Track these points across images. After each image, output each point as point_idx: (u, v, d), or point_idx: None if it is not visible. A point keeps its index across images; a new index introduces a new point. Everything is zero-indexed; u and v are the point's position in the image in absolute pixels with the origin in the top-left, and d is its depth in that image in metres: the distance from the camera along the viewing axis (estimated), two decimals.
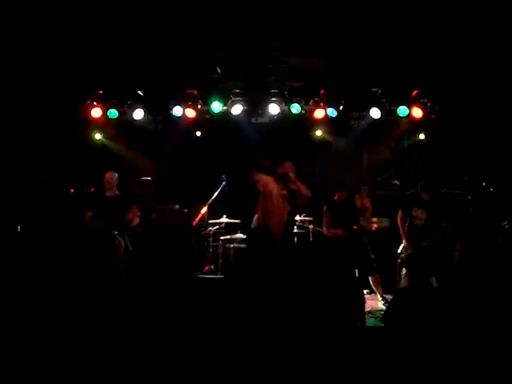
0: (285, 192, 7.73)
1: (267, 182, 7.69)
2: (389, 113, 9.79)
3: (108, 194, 7.93)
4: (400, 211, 7.83)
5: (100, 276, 5.12)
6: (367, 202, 9.28)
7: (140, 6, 6.72)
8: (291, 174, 7.72)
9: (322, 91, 9.73)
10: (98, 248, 6.22)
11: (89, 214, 7.74)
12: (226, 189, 9.36)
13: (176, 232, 5.02)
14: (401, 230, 7.79)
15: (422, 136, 10.28)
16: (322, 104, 9.70)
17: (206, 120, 10.20)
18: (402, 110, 9.69)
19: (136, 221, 8.07)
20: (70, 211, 8.72)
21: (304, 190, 7.75)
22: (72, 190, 9.99)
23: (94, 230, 7.58)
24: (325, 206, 8.40)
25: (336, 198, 8.32)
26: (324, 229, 8.37)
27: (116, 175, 8.00)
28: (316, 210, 9.76)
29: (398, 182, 9.02)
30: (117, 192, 7.99)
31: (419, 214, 7.69)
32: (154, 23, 7.09)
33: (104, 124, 10.11)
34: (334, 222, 8.18)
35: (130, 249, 7.45)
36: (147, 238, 8.46)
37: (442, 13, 6.79)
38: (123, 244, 7.11)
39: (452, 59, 8.23)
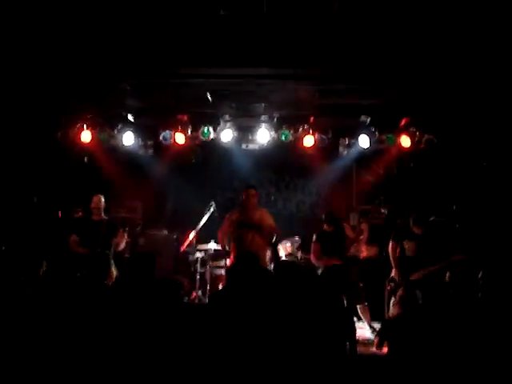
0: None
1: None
2: (378, 140, 9.84)
3: (94, 217, 7.87)
4: (392, 241, 7.82)
5: (89, 298, 5.07)
6: (364, 228, 9.19)
7: (130, 33, 6.76)
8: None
9: (311, 118, 9.78)
10: (89, 271, 6.16)
11: (73, 237, 7.69)
12: (215, 215, 9.35)
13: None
14: (392, 260, 7.78)
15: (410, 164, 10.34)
16: (311, 131, 9.73)
17: (195, 146, 10.19)
18: (391, 139, 9.75)
19: (123, 245, 8.01)
20: (57, 235, 8.64)
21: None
22: (60, 214, 9.92)
23: (82, 255, 7.52)
24: (314, 235, 8.38)
25: (325, 227, 8.31)
26: (312, 257, 8.32)
27: (103, 199, 7.95)
28: (305, 237, 9.81)
29: (386, 211, 9.02)
30: (103, 216, 7.93)
31: (410, 246, 7.70)
32: (144, 50, 7.12)
33: (93, 148, 10.06)
34: (324, 251, 8.16)
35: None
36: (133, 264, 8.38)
37: (430, 42, 6.87)
38: (115, 273, 7.05)
39: (441, 89, 8.30)
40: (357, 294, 8.01)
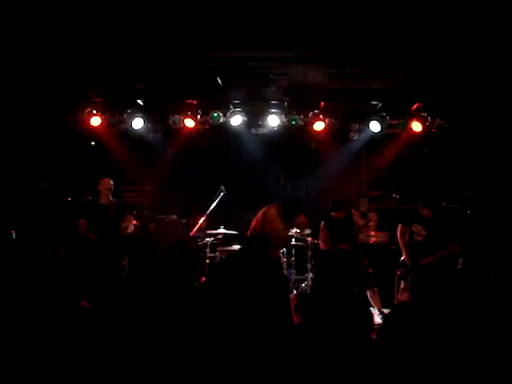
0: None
1: None
2: (388, 126, 9.76)
3: (102, 201, 7.89)
4: (400, 225, 7.75)
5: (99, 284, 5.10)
6: (372, 216, 9.16)
7: (140, 15, 6.69)
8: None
9: (321, 103, 9.71)
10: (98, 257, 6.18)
11: (83, 221, 7.70)
12: (224, 199, 9.33)
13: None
14: (400, 244, 7.72)
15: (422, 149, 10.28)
16: (321, 116, 9.67)
17: (205, 130, 10.16)
18: (402, 124, 9.68)
19: (131, 228, 8.02)
20: (67, 219, 8.66)
21: None
22: (69, 199, 9.94)
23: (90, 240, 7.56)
24: (322, 222, 8.34)
25: (333, 214, 8.26)
26: (320, 243, 8.30)
27: (111, 182, 7.94)
28: (315, 223, 9.75)
29: (397, 196, 8.97)
30: (111, 199, 7.93)
31: (419, 229, 7.63)
32: (155, 33, 7.06)
33: (103, 132, 10.05)
34: (332, 237, 8.12)
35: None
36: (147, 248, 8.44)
37: (441, 27, 6.77)
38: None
39: (452, 73, 8.20)
40: (367, 279, 7.98)
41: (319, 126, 9.67)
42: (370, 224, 8.57)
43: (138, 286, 4.89)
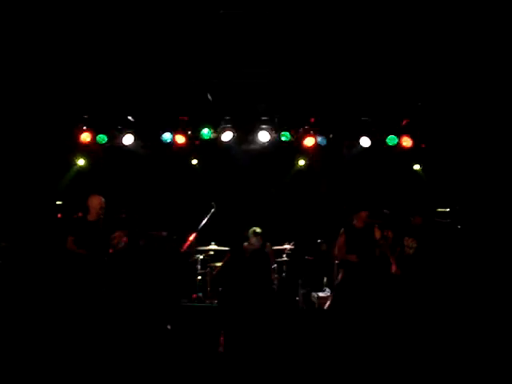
0: None
1: None
2: (379, 142, 9.81)
3: (91, 218, 7.82)
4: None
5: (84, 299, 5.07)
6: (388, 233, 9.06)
7: (133, 35, 6.74)
8: None
9: (312, 119, 9.75)
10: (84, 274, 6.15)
11: (71, 238, 7.64)
12: (215, 215, 9.31)
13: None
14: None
15: (416, 166, 10.31)
16: (311, 132, 9.71)
17: (195, 146, 10.17)
18: (392, 139, 9.73)
19: (121, 245, 7.98)
20: (56, 236, 8.62)
21: None
22: (60, 215, 9.89)
23: (80, 256, 7.53)
24: (342, 229, 8.24)
25: (355, 222, 8.15)
26: (335, 250, 8.19)
27: (102, 199, 7.91)
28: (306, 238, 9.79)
29: (387, 211, 8.96)
30: (101, 216, 7.89)
31: (410, 242, 7.66)
32: (146, 50, 7.11)
33: (93, 148, 10.05)
34: (349, 246, 8.04)
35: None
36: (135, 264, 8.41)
37: (429, 48, 6.88)
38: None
39: (441, 90, 8.29)
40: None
41: (309, 141, 9.70)
42: (382, 242, 8.40)
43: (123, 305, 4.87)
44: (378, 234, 8.11)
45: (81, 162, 10.33)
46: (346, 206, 8.54)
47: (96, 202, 7.82)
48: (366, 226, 8.06)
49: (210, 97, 8.69)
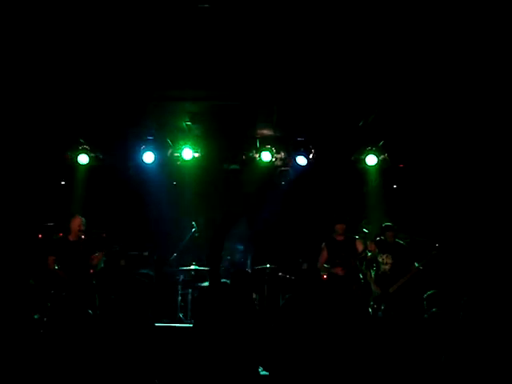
0: None
1: None
2: (358, 161, 9.95)
3: (72, 238, 7.90)
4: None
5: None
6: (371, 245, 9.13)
7: (115, 57, 6.80)
8: None
9: (293, 140, 9.85)
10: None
11: (51, 258, 7.72)
12: (196, 235, 9.34)
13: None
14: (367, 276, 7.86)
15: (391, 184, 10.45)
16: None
17: (177, 166, 10.21)
18: (368, 159, 9.86)
19: (99, 265, 8.07)
20: (37, 256, 8.61)
21: None
22: (40, 236, 9.85)
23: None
24: (323, 243, 8.37)
25: (336, 235, 8.28)
26: (319, 265, 8.27)
27: (83, 220, 7.95)
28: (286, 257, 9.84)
29: (366, 231, 9.07)
30: (81, 236, 7.95)
31: (385, 259, 7.80)
32: (126, 72, 7.16)
33: (74, 169, 10.05)
34: (331, 259, 8.14)
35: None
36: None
37: (397, 68, 7.01)
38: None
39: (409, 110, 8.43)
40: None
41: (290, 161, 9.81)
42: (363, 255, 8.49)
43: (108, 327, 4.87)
44: (359, 247, 8.22)
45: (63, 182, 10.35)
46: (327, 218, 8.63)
47: (76, 222, 7.90)
48: (347, 239, 8.19)
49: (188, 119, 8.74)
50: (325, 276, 8.59)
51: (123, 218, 10.61)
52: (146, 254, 10.22)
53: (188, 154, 9.73)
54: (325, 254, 8.23)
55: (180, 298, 9.25)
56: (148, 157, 9.72)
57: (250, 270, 9.36)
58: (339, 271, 7.96)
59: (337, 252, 8.13)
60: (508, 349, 4.60)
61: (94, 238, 8.50)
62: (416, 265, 7.74)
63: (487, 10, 5.78)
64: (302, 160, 9.76)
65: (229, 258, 9.66)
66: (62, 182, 10.35)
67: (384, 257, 7.79)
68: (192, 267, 9.32)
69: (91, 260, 7.85)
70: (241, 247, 9.86)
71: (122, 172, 10.26)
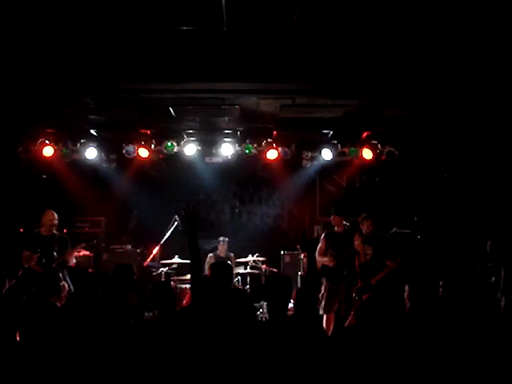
0: None
1: None
2: (340, 153, 9.99)
3: (45, 233, 7.85)
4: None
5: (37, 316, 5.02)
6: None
7: (91, 46, 6.71)
8: None
9: (274, 132, 9.86)
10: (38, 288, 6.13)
11: (26, 253, 7.65)
12: (179, 229, 9.32)
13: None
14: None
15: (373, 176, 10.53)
16: (274, 145, 9.82)
17: (159, 160, 10.18)
18: (353, 152, 9.91)
19: (72, 262, 8.00)
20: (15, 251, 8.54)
21: None
22: (22, 230, 9.78)
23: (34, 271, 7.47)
24: (323, 234, 8.44)
25: (335, 228, 8.33)
26: (316, 254, 8.20)
27: (55, 215, 7.92)
28: (270, 250, 9.86)
29: (347, 224, 9.12)
30: (55, 232, 7.92)
31: (366, 249, 7.84)
32: (107, 62, 7.08)
33: (55, 162, 9.97)
34: (328, 250, 8.16)
35: (71, 289, 7.30)
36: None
37: (388, 54, 6.97)
38: (67, 287, 6.98)
39: (401, 101, 8.43)
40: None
41: (272, 154, 9.80)
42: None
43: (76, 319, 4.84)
44: (357, 241, 8.24)
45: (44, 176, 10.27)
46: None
47: (47, 217, 7.85)
48: (346, 232, 8.23)
49: (172, 111, 8.68)
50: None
51: (104, 212, 10.59)
52: (129, 247, 10.22)
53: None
54: (322, 244, 8.27)
55: None
56: (130, 150, 9.70)
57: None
58: (330, 263, 7.99)
59: (333, 244, 8.18)
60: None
61: (70, 233, 8.49)
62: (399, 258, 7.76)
63: None
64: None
65: None
66: (44, 176, 10.26)
67: (365, 247, 7.84)
68: (174, 260, 9.32)
69: (64, 256, 7.75)
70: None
71: (103, 165, 10.18)
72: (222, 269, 5.22)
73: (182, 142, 9.83)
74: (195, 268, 5.08)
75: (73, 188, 10.30)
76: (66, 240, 7.99)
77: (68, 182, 10.32)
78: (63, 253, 7.75)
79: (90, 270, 9.18)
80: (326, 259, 8.06)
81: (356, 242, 8.06)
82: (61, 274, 7.19)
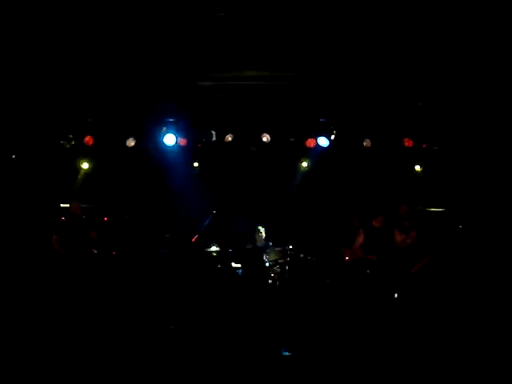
0: None
1: None
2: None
3: (73, 218, 8.72)
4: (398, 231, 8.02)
5: None
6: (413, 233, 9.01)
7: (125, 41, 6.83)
8: None
9: (314, 121, 9.77)
10: None
11: (55, 236, 8.54)
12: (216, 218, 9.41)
13: None
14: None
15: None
16: (313, 134, 9.72)
17: (198, 149, 10.21)
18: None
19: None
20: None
21: None
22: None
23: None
24: (361, 228, 8.40)
25: (374, 222, 8.28)
26: (353, 248, 8.31)
27: (80, 206, 8.83)
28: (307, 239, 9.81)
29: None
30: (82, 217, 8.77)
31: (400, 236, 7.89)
32: (145, 58, 7.20)
33: (96, 152, 10.12)
34: (366, 244, 8.15)
35: None
36: None
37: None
38: None
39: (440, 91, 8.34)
40: None
41: (311, 143, 9.70)
42: (408, 241, 8.41)
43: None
44: (398, 237, 8.18)
45: (85, 165, 10.42)
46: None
47: (76, 208, 8.77)
48: (385, 227, 8.14)
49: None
50: (347, 258, 8.63)
51: (144, 200, 10.70)
52: (168, 235, 10.29)
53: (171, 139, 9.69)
54: (360, 237, 8.21)
55: None
56: (169, 139, 9.70)
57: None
58: (373, 257, 7.96)
59: (372, 239, 8.13)
60: None
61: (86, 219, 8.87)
62: None
63: None
64: (323, 141, 9.67)
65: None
66: (86, 165, 10.43)
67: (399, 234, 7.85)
68: (213, 248, 9.39)
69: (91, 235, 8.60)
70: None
71: (142, 155, 10.28)
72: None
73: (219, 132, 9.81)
74: None
75: (113, 177, 10.48)
76: (91, 224, 8.83)
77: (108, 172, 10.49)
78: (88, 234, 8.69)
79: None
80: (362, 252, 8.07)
81: (397, 238, 8.05)
82: None
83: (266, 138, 9.50)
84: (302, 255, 9.46)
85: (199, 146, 10.11)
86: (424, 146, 9.75)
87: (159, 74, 7.91)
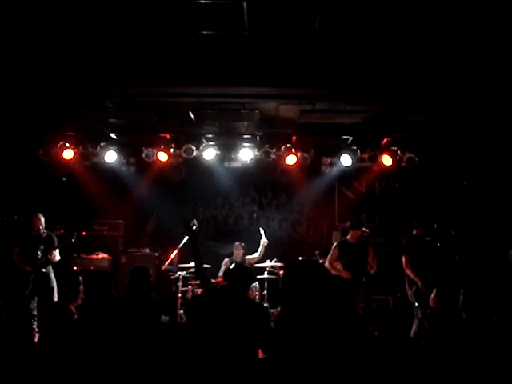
0: None
1: None
2: (360, 159, 9.92)
3: (34, 233, 8.42)
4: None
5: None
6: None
7: (112, 50, 6.74)
8: None
9: (294, 138, 9.82)
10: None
11: (16, 249, 8.31)
12: (196, 233, 9.29)
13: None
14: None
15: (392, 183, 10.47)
16: (293, 150, 9.78)
17: (178, 164, 10.19)
18: (372, 158, 9.84)
19: (56, 259, 8.40)
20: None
21: None
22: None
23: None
24: (335, 243, 8.50)
25: (348, 237, 8.34)
26: (326, 263, 8.28)
27: (42, 218, 8.44)
28: (287, 255, 9.80)
29: (367, 230, 9.06)
30: (43, 232, 8.43)
31: (373, 263, 7.94)
32: (127, 66, 7.11)
33: (75, 165, 10.03)
34: (340, 260, 8.18)
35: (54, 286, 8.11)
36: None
37: (408, 61, 6.91)
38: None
39: (422, 107, 8.36)
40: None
41: (291, 159, 9.77)
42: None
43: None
44: (371, 255, 8.23)
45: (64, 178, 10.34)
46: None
47: (37, 220, 8.41)
48: (360, 243, 8.20)
49: (192, 115, 8.68)
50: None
51: (123, 215, 10.62)
52: (147, 250, 10.25)
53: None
54: (334, 253, 8.25)
55: (180, 295, 9.26)
56: (149, 154, 9.71)
57: None
58: (348, 275, 7.95)
59: (347, 254, 8.16)
60: None
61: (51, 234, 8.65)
62: None
63: None
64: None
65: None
66: (64, 178, 10.34)
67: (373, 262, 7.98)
68: (192, 264, 9.29)
69: (50, 254, 8.27)
70: None
71: (122, 169, 10.25)
72: (237, 274, 5.15)
73: (202, 147, 9.83)
74: (202, 280, 5.08)
75: (92, 191, 10.32)
76: (53, 240, 8.44)
77: (87, 185, 10.33)
78: (48, 252, 8.27)
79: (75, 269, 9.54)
80: (339, 267, 8.08)
81: (370, 256, 8.13)
82: (44, 270, 8.19)
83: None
84: (282, 272, 9.47)
85: (179, 161, 10.09)
86: (403, 164, 9.86)
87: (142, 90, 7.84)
